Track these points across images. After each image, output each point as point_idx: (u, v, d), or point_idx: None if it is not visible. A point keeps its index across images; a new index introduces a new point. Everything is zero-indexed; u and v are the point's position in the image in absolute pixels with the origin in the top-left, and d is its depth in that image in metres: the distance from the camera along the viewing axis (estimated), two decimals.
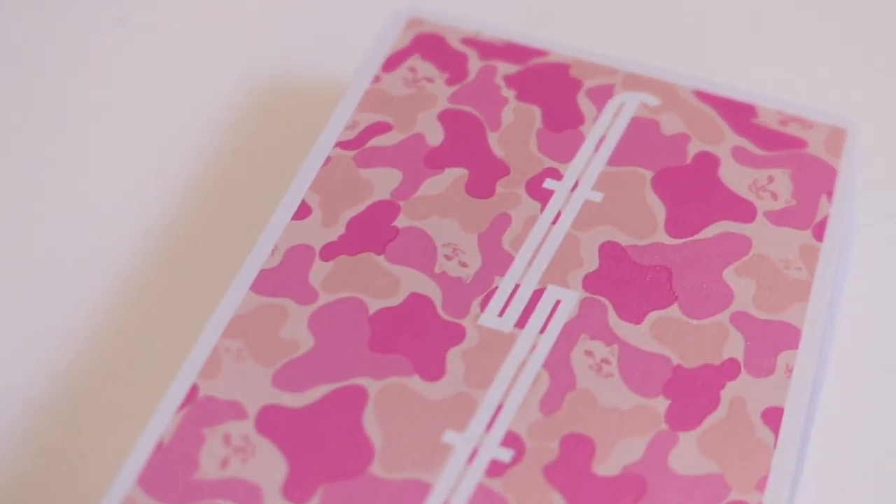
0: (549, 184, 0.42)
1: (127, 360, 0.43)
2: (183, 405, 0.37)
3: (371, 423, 0.37)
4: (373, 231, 0.41)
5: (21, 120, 0.48)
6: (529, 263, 0.40)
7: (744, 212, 0.42)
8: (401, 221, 0.41)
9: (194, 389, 0.37)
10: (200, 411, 0.37)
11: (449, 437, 0.37)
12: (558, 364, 0.38)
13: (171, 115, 0.49)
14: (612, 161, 0.43)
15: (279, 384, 0.38)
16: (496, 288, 0.40)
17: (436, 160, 0.42)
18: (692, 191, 0.42)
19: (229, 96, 0.49)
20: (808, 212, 0.42)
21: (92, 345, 0.43)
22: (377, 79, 0.44)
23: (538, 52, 0.45)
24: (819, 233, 0.41)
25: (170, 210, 0.46)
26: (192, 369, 0.38)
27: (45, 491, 0.40)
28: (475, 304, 0.39)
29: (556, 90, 0.44)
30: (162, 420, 0.37)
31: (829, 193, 0.42)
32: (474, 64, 0.45)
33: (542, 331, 0.39)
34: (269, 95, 0.49)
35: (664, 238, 0.41)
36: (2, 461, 0.40)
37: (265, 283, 0.40)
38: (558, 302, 0.39)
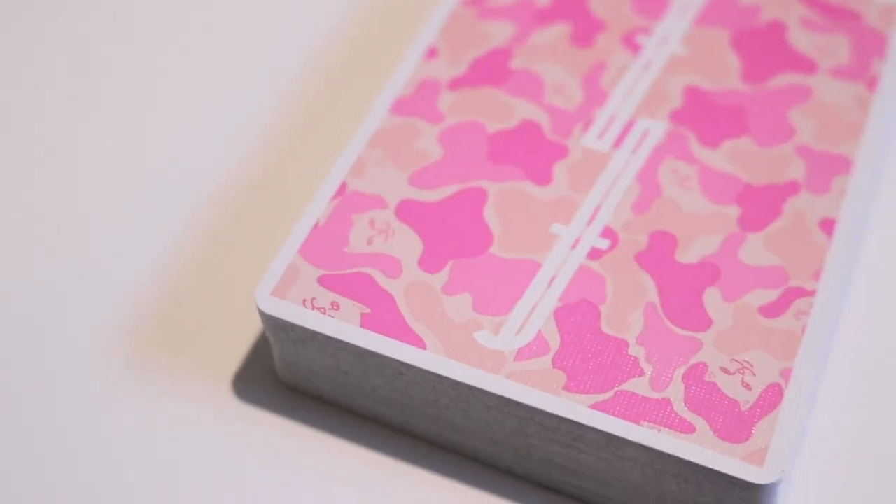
0: (640, 39, 0.49)
1: (287, 166, 0.50)
2: (335, 196, 0.44)
3: (491, 216, 0.44)
4: (491, 70, 0.48)
5: (170, 21, 0.56)
6: (624, 100, 0.47)
7: (807, 66, 0.49)
8: (515, 64, 0.48)
9: (343, 186, 0.45)
10: (349, 201, 0.44)
11: (556, 228, 0.44)
12: (647, 177, 0.45)
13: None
14: (696, 23, 0.50)
15: (414, 183, 0.45)
16: (595, 117, 0.47)
17: (544, 17, 0.50)
18: (763, 49, 0.49)
19: None
20: (862, 69, 0.49)
21: (261, 150, 0.51)
22: None
23: None
24: (872, 86, 0.48)
25: (321, 55, 0.54)
26: (342, 170, 0.45)
27: (225, 264, 0.48)
28: (577, 129, 0.46)
29: None
30: (318, 207, 0.44)
31: (881, 55, 0.49)
32: None
33: (634, 151, 0.46)
34: None
35: (739, 85, 0.48)
36: (196, 240, 0.48)
37: (401, 106, 0.47)
38: (647, 130, 0.47)
